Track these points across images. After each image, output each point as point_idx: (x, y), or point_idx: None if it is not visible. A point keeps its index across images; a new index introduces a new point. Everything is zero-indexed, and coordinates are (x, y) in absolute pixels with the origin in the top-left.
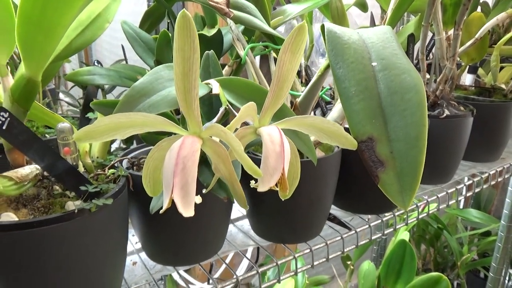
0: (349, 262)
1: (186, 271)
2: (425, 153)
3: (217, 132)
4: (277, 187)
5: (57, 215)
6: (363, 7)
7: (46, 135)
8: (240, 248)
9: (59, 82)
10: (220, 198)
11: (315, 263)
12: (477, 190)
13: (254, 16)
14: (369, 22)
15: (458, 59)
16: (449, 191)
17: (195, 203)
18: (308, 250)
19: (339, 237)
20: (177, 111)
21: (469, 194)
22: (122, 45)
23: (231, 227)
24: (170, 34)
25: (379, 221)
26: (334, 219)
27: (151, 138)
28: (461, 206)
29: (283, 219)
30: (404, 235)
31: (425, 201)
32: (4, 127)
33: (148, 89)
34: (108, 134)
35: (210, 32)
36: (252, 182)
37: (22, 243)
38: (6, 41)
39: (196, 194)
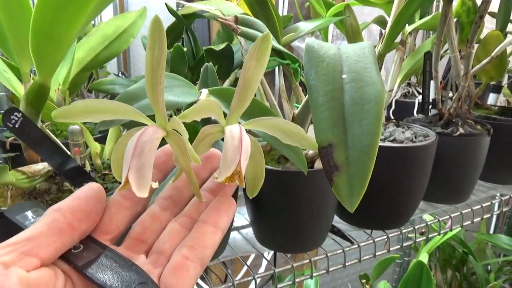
0: (363, 281)
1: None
2: (375, 160)
3: (174, 123)
4: (237, 182)
5: None
6: (383, 24)
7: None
8: (241, 254)
9: None
10: None
11: (315, 274)
12: (496, 212)
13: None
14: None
15: (477, 77)
16: (464, 211)
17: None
18: (307, 261)
19: (341, 250)
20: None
21: (486, 216)
22: None
23: (235, 234)
24: (184, 49)
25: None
26: (338, 232)
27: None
28: (491, 231)
29: (282, 228)
30: (422, 256)
31: (437, 220)
32: (17, 126)
33: (139, 94)
34: (82, 116)
35: (218, 47)
36: (214, 174)
37: None
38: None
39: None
